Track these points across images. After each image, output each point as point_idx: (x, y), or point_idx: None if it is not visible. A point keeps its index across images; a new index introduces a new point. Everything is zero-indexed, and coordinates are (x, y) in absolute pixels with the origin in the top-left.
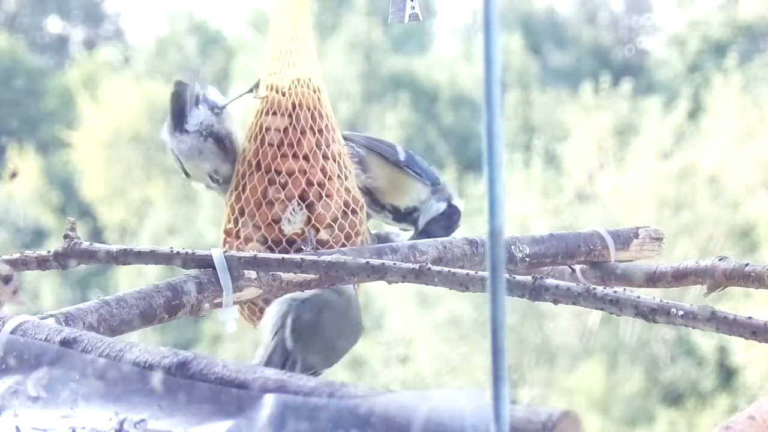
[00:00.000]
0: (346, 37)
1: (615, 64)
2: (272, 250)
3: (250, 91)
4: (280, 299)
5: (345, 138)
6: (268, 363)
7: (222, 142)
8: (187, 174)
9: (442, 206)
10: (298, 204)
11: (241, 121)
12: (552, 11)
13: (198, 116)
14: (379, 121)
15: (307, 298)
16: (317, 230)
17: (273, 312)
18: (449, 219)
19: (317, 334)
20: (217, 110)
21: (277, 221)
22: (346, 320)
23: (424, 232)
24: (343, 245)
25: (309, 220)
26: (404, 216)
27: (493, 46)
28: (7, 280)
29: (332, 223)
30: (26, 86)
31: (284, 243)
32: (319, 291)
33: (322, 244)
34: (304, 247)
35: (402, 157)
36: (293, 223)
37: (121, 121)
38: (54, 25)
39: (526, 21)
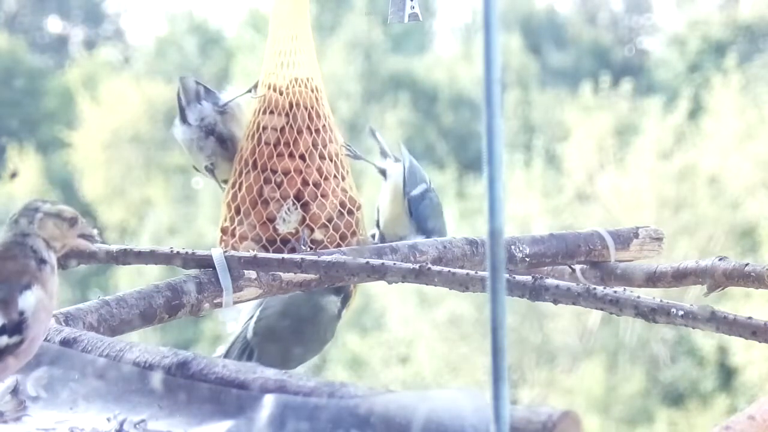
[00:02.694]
0: (346, 37)
1: (615, 64)
2: (267, 249)
3: (249, 91)
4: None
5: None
6: (230, 350)
7: (225, 143)
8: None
9: (417, 239)
10: (293, 203)
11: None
12: (552, 11)
13: (200, 111)
14: (379, 121)
15: (280, 297)
16: (312, 230)
17: (251, 304)
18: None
19: (276, 334)
20: (217, 108)
21: (272, 220)
22: (309, 330)
23: None
24: (338, 245)
25: (304, 219)
26: None
27: (493, 46)
28: (72, 222)
29: (327, 223)
30: (26, 86)
31: (278, 242)
32: (295, 294)
33: (316, 243)
34: (302, 247)
35: (415, 192)
36: (288, 222)
37: (121, 121)
38: (54, 25)
39: (526, 21)
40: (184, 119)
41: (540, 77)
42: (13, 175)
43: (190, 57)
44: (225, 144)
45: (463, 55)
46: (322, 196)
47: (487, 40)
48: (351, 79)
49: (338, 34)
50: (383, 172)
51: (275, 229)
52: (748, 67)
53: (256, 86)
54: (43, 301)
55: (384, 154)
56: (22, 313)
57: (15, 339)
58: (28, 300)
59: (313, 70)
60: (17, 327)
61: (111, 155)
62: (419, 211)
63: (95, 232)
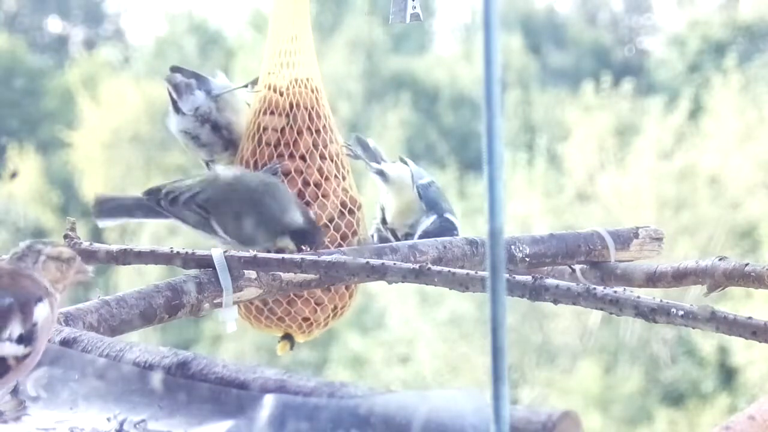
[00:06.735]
0: (347, 37)
1: (615, 64)
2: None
3: (246, 86)
4: None
5: (402, 160)
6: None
7: (219, 131)
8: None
9: (432, 218)
10: None
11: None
12: (552, 11)
13: (194, 101)
14: (380, 120)
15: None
16: None
17: None
18: (439, 232)
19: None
20: (211, 96)
21: None
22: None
23: None
24: (339, 245)
25: None
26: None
27: (493, 46)
28: (71, 261)
29: (328, 223)
30: (26, 86)
31: None
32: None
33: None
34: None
35: (422, 181)
36: None
37: (121, 121)
38: (54, 25)
39: (526, 21)
40: (177, 110)
41: (540, 77)
42: (13, 175)
43: (190, 57)
44: (220, 131)
45: (463, 55)
46: (323, 196)
47: (487, 40)
48: (352, 79)
49: (339, 34)
50: (381, 173)
51: None
52: (748, 67)
53: (255, 82)
54: (50, 316)
55: (376, 159)
56: (34, 324)
57: (28, 349)
58: (40, 312)
59: (313, 71)
60: (29, 337)
61: (111, 155)
62: (429, 195)
63: (90, 268)
